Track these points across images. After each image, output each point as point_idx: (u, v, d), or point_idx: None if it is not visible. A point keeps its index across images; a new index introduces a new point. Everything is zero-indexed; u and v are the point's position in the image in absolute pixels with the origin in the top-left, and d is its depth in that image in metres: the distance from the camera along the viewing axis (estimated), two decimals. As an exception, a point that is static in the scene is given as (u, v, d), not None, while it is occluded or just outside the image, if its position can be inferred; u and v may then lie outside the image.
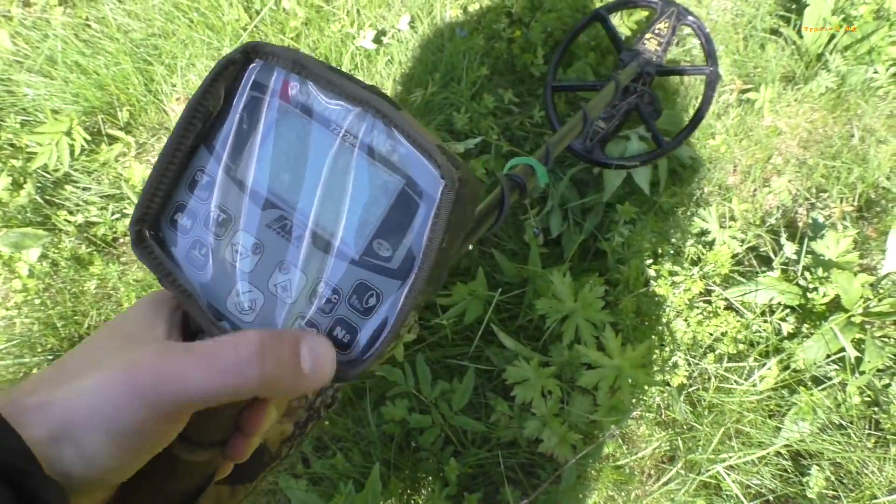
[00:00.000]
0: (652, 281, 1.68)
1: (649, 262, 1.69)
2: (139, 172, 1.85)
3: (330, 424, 1.62)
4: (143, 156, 2.00)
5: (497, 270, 1.80)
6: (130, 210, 1.86)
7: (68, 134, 1.84)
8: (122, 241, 1.89)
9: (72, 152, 1.86)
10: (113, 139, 1.96)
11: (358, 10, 2.17)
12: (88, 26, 2.09)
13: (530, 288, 1.70)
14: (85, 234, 1.83)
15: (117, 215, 1.84)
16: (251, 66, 0.54)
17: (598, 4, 2.12)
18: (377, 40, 2.12)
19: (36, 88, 2.00)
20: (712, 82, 1.79)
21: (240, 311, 0.54)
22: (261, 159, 0.54)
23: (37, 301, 1.76)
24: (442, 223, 0.50)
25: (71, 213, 1.85)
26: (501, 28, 2.10)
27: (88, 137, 1.88)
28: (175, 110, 2.03)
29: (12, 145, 1.92)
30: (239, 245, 0.54)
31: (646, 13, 2.09)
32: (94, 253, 1.81)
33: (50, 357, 1.75)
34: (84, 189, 1.91)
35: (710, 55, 1.82)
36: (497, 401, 1.59)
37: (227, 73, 0.53)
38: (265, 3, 2.12)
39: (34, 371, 1.72)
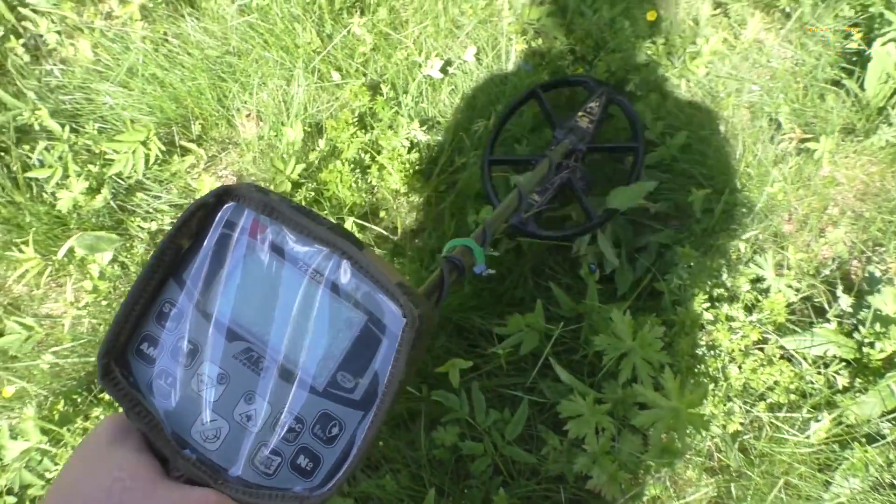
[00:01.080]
0: (709, 325, 1.70)
1: (706, 305, 1.71)
2: (208, 184, 1.91)
3: (382, 444, 1.65)
4: (212, 168, 2.07)
5: (552, 303, 1.82)
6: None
7: (145, 144, 1.91)
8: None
9: (146, 161, 1.93)
10: (185, 151, 2.03)
11: (424, 39, 2.23)
12: (167, 41, 2.17)
13: (587, 323, 1.73)
14: (154, 241, 1.89)
15: (188, 226, 1.90)
16: (224, 207, 0.59)
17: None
18: (444, 70, 2.17)
19: (114, 98, 2.08)
20: (638, 159, 1.86)
21: (204, 439, 0.57)
22: (228, 293, 0.59)
23: (104, 303, 1.82)
24: (403, 358, 0.55)
25: (144, 219, 1.91)
26: (566, 65, 2.14)
27: (163, 148, 1.95)
28: (245, 126, 2.09)
29: (89, 150, 2.00)
30: (205, 375, 0.58)
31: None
32: (162, 260, 1.87)
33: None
34: (154, 197, 1.98)
35: (636, 133, 1.89)
36: (548, 434, 1.61)
37: (200, 214, 0.59)
38: (337, 29, 2.18)
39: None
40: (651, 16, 2.13)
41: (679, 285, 1.80)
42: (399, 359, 0.55)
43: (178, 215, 1.85)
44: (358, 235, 1.84)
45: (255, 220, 0.58)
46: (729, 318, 1.68)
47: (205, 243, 0.59)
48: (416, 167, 2.01)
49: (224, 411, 0.57)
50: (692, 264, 1.81)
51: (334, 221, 0.59)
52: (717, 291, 1.76)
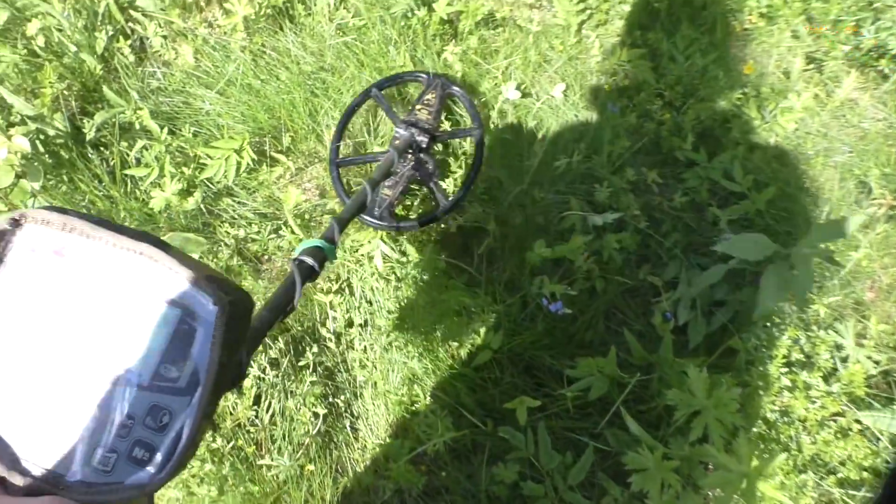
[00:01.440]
0: (786, 391, 1.67)
1: (784, 370, 1.68)
2: (294, 197, 1.96)
3: (445, 474, 1.67)
4: (298, 181, 2.12)
5: (623, 348, 1.81)
6: (285, 231, 1.96)
7: (238, 151, 1.96)
8: (270, 258, 2.00)
9: (237, 169, 1.98)
10: (274, 161, 2.08)
11: (513, 71, 2.25)
12: (265, 53, 2.23)
13: (658, 374, 1.71)
14: (240, 248, 1.94)
15: (272, 236, 1.95)
16: (24, 230, 0.62)
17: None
18: (524, 97, 2.19)
19: (212, 104, 2.15)
20: (479, 142, 1.96)
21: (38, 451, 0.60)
22: (39, 309, 0.61)
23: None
24: (219, 343, 0.60)
25: (231, 225, 1.96)
26: (654, 109, 2.14)
27: (255, 157, 2.00)
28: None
29: (183, 153, 2.06)
30: (25, 391, 0.60)
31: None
32: (245, 266, 1.92)
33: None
34: (240, 203, 2.04)
35: (475, 118, 2.00)
36: (610, 483, 1.61)
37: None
38: (428, 54, 2.22)
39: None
40: (749, 69, 2.11)
41: (756, 345, 1.78)
42: (215, 343, 0.60)
43: (262, 223, 1.90)
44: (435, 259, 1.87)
45: (59, 238, 0.61)
46: (806, 386, 1.65)
47: (5, 265, 0.61)
48: (492, 198, 2.03)
49: (51, 423, 0.60)
50: (770, 325, 1.78)
51: (137, 229, 0.63)
52: (795, 356, 1.73)
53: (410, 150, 1.90)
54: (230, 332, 0.61)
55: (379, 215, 1.83)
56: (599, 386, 1.68)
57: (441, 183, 1.98)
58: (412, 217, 2.00)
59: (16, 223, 0.61)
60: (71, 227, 0.60)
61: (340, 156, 2.00)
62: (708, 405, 1.53)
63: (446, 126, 2.16)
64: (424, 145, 1.89)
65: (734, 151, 2.09)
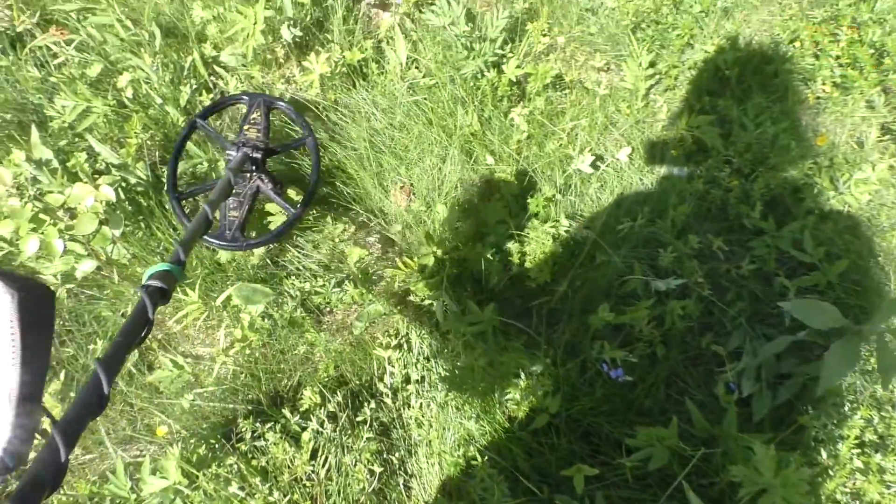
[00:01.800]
0: (858, 473, 1.60)
1: (856, 450, 1.61)
2: (357, 252, 2.00)
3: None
4: (360, 235, 2.16)
5: (683, 418, 1.77)
6: (349, 286, 1.99)
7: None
8: (332, 310, 2.04)
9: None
10: (339, 216, 2.13)
11: (578, 133, 2.27)
12: (336, 108, 2.30)
13: (722, 449, 1.66)
14: (304, 301, 1.98)
15: (336, 289, 1.98)
16: None
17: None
18: (594, 165, 2.19)
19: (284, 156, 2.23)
20: (313, 148, 2.01)
21: None
22: None
23: (247, 352, 1.91)
24: (18, 325, 0.69)
25: (297, 277, 2.01)
26: (721, 176, 2.12)
27: (319, 208, 2.06)
28: (397, 197, 2.18)
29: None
30: None
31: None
32: (307, 318, 1.96)
33: (250, 407, 1.89)
34: (305, 255, 2.08)
35: (304, 127, 2.06)
36: (670, 560, 1.55)
37: None
38: (496, 114, 2.26)
39: (237, 415, 1.86)
40: (821, 140, 2.08)
41: (825, 423, 1.71)
42: (13, 324, 0.69)
43: (325, 275, 1.93)
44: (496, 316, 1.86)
45: None
46: (881, 469, 1.58)
47: None
48: (557, 259, 2.03)
49: None
50: (840, 402, 1.72)
51: None
52: (868, 436, 1.66)
53: (247, 170, 1.93)
54: (28, 314, 0.71)
55: (231, 237, 1.86)
56: (660, 457, 1.63)
57: (283, 196, 2.00)
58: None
59: None
60: None
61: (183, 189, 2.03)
62: (775, 484, 1.47)
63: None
64: (259, 161, 1.92)
65: (804, 221, 2.04)
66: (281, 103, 2.10)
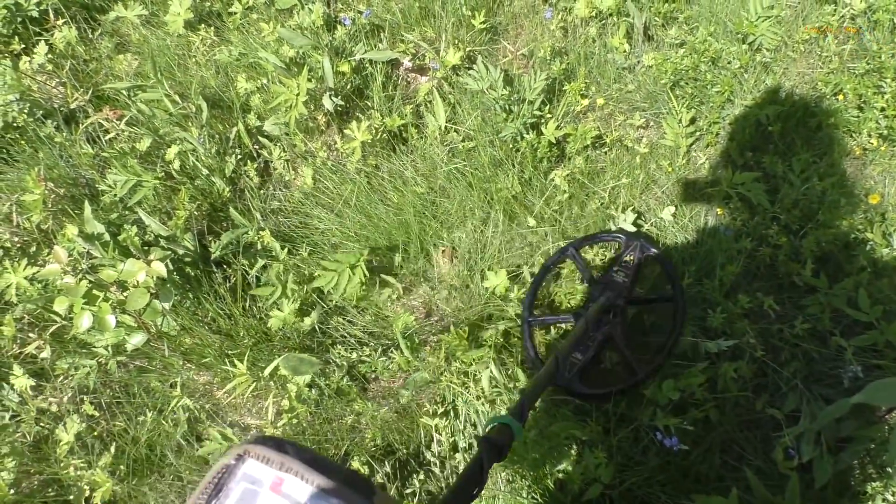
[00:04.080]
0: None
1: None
2: (403, 319, 2.00)
3: None
4: (405, 300, 2.16)
5: (741, 485, 1.71)
6: (395, 354, 1.99)
7: (352, 267, 2.00)
8: (378, 378, 2.03)
9: (350, 283, 2.03)
10: (384, 282, 2.13)
11: (620, 191, 2.26)
12: (378, 174, 2.34)
13: (785, 523, 1.60)
14: (351, 371, 1.98)
15: (382, 358, 1.98)
16: (246, 462, 0.67)
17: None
18: (636, 223, 2.17)
19: (327, 224, 2.25)
20: (682, 309, 1.86)
21: None
22: None
23: (294, 422, 1.91)
24: None
25: (342, 345, 2.01)
26: (770, 233, 2.08)
27: (367, 275, 2.06)
28: (440, 262, 2.18)
29: (299, 271, 2.15)
30: None
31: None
32: (353, 387, 1.95)
33: (298, 479, 1.87)
34: (350, 322, 2.09)
35: (675, 284, 1.89)
36: None
37: (221, 474, 0.67)
38: (535, 175, 2.26)
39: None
40: (874, 199, 2.04)
41: (894, 491, 1.64)
42: None
43: (371, 342, 1.93)
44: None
45: (277, 476, 0.66)
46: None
47: (227, 499, 0.66)
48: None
49: None
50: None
51: (348, 469, 0.68)
52: (941, 509, 1.58)
53: (605, 314, 1.85)
54: None
55: (567, 380, 1.78)
56: (721, 532, 1.57)
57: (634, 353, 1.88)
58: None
59: (240, 458, 0.68)
60: (287, 468, 0.66)
61: (534, 314, 1.96)
62: (846, 565, 1.40)
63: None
64: (620, 309, 1.85)
65: (858, 278, 1.99)
66: (654, 250, 2.00)
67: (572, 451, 1.77)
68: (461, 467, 1.85)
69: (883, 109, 2.20)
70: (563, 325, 2.03)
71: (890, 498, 1.66)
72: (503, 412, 1.02)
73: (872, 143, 2.20)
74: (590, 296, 1.89)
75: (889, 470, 1.71)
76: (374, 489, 0.67)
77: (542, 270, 2.02)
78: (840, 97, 2.27)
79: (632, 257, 1.97)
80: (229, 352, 2.00)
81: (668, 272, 1.95)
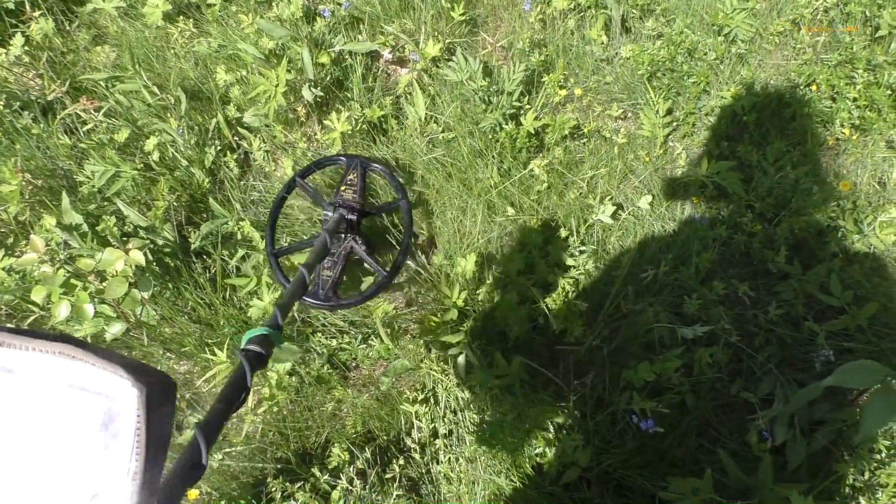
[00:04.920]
0: (902, 527, 1.55)
1: (897, 502, 1.57)
2: (382, 307, 2.01)
3: None
4: (389, 294, 2.17)
5: (716, 467, 1.73)
6: (375, 341, 2.00)
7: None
8: (358, 366, 2.04)
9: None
10: (367, 272, 2.14)
11: (598, 181, 2.28)
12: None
13: (757, 500, 1.63)
14: (331, 359, 1.99)
15: (362, 346, 1.99)
16: None
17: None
18: (615, 216, 2.20)
19: (305, 213, 2.26)
20: (407, 210, 2.03)
21: None
22: None
23: (275, 410, 1.92)
24: (144, 420, 0.65)
25: (323, 334, 2.02)
26: (744, 221, 2.12)
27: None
28: (418, 252, 2.20)
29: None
30: None
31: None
32: (333, 374, 1.96)
33: (279, 466, 1.88)
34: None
35: (399, 189, 2.07)
36: None
37: None
38: (515, 166, 2.28)
39: (267, 475, 1.86)
40: (845, 186, 2.08)
41: (862, 470, 1.67)
42: (140, 421, 0.65)
43: (351, 330, 1.94)
44: (526, 373, 1.85)
45: None
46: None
47: None
48: (582, 310, 2.02)
49: None
50: (879, 450, 1.68)
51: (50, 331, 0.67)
52: (910, 487, 1.62)
53: (342, 230, 1.96)
54: (153, 410, 0.67)
55: (324, 296, 1.89)
56: (695, 511, 1.60)
57: (376, 256, 2.07)
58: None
59: None
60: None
61: (278, 246, 2.05)
62: (816, 541, 1.44)
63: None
64: (354, 223, 1.96)
65: (830, 264, 2.03)
66: (377, 165, 2.14)
67: (550, 435, 1.79)
68: (441, 453, 1.87)
69: (855, 100, 2.24)
70: (307, 251, 2.11)
71: (861, 478, 1.70)
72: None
73: (845, 133, 2.24)
74: (324, 217, 1.98)
75: (860, 451, 1.75)
76: (83, 342, 0.68)
77: (276, 204, 2.08)
78: (813, 88, 2.31)
79: (354, 175, 2.08)
80: (209, 340, 2.01)
81: (392, 181, 2.11)
